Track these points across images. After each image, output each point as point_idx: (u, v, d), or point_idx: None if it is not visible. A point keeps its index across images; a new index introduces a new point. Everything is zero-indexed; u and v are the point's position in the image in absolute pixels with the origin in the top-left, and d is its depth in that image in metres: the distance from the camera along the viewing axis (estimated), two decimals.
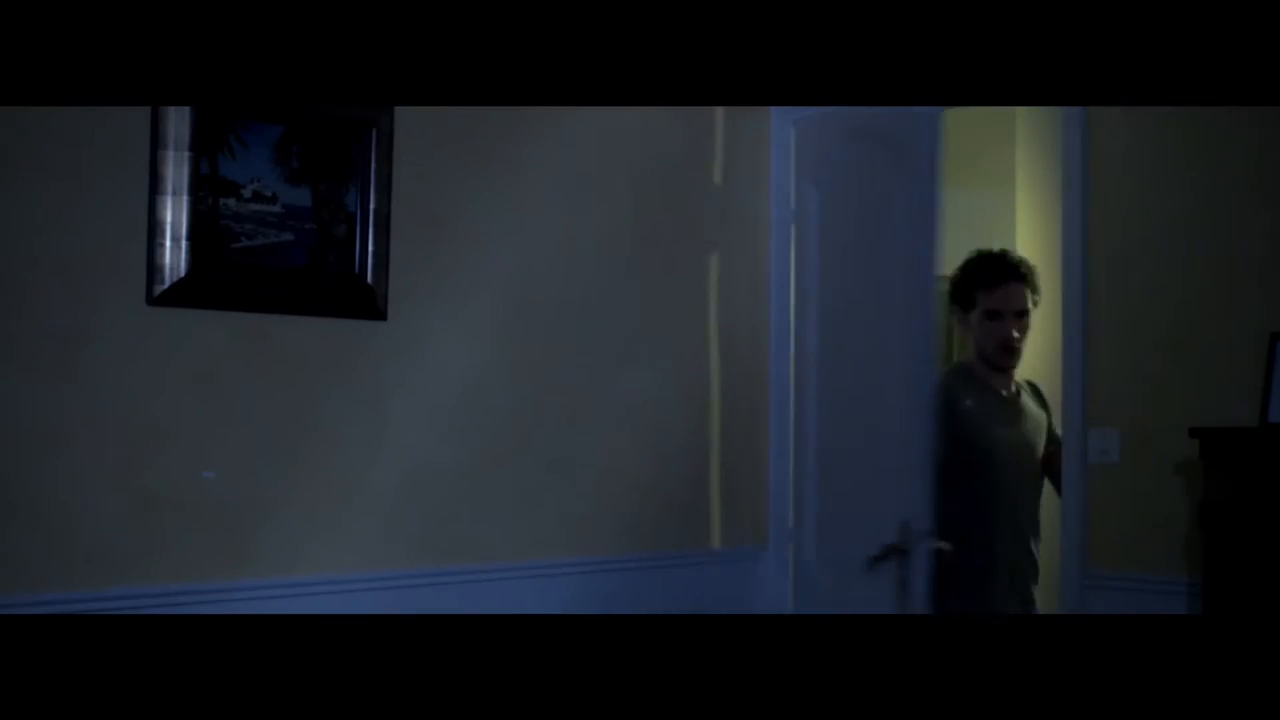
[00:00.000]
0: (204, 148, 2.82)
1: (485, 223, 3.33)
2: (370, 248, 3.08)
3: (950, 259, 4.99)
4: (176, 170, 2.78)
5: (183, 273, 2.79)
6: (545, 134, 3.45)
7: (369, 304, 3.09)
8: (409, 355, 3.17)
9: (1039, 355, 4.35)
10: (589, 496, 3.51)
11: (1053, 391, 3.80)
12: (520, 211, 3.40)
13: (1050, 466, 3.71)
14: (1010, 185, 4.86)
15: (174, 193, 2.78)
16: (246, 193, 2.91)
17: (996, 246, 3.84)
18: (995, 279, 3.62)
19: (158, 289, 2.77)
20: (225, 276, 2.86)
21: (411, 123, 3.16)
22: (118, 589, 2.70)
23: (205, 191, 2.83)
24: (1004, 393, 3.71)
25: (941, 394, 3.51)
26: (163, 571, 2.77)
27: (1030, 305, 3.70)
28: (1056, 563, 3.52)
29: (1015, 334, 3.62)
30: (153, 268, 2.77)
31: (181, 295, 2.79)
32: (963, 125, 4.88)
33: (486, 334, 3.33)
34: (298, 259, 2.98)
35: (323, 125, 3.01)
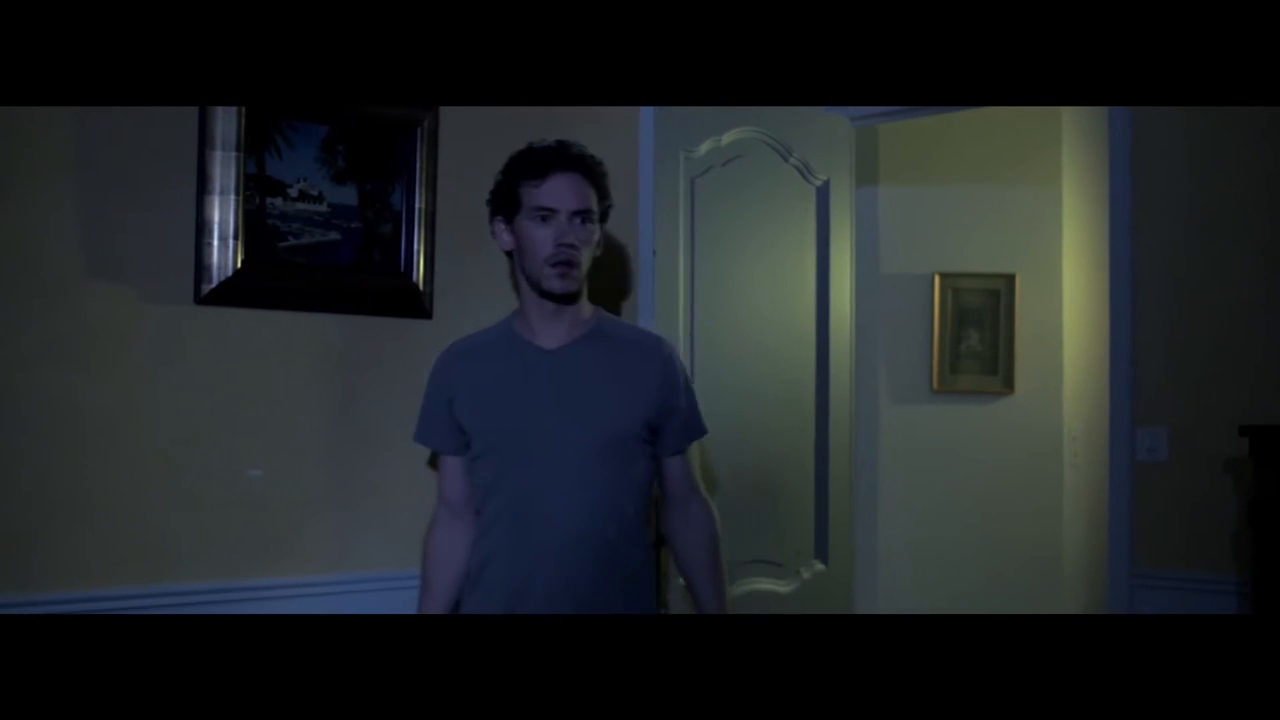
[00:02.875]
0: (251, 147, 2.85)
1: None
2: (416, 246, 3.10)
3: (1000, 259, 5.00)
4: (224, 170, 2.81)
5: (230, 272, 2.82)
6: (587, 131, 3.45)
7: (414, 302, 3.11)
8: None
9: (1085, 354, 4.31)
10: None
11: (1099, 389, 3.75)
12: None
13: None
14: (1057, 183, 4.84)
15: (221, 192, 2.81)
16: (293, 192, 2.93)
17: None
18: (545, 167, 2.52)
19: (205, 288, 2.80)
20: (272, 275, 2.89)
21: (456, 121, 3.18)
22: (163, 585, 2.73)
23: (252, 191, 2.86)
24: (547, 345, 2.58)
25: (440, 375, 2.68)
26: (208, 569, 2.80)
27: (596, 208, 2.57)
28: (1104, 562, 3.49)
29: (573, 240, 2.51)
30: (200, 267, 2.80)
31: (229, 294, 2.82)
32: (1010, 124, 4.87)
33: None
34: (344, 258, 3.01)
35: (368, 124, 3.04)
